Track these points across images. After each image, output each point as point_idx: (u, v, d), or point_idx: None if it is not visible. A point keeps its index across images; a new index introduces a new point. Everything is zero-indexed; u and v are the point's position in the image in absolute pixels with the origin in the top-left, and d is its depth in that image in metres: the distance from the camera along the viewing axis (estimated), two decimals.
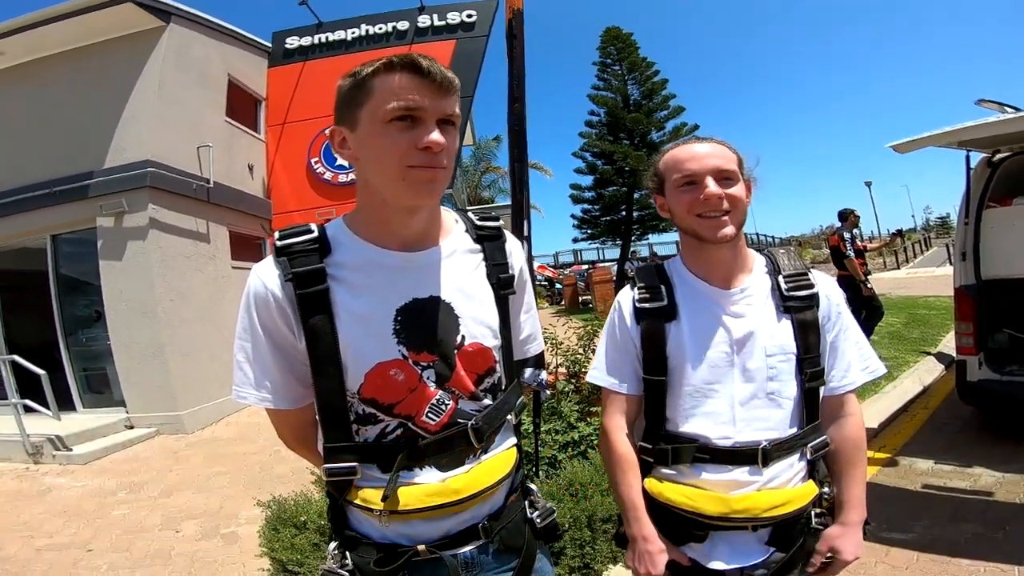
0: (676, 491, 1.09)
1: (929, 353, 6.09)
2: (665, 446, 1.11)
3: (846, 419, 1.15)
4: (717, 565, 1.09)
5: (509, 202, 2.98)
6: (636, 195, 19.56)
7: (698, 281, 1.14)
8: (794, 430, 1.09)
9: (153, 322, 6.28)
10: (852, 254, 5.97)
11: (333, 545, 0.97)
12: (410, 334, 0.90)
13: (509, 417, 1.02)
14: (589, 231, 21.72)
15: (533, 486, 1.10)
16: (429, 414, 0.91)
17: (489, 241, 1.02)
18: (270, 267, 0.91)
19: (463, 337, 0.94)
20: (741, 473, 1.07)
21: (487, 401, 0.97)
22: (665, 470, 1.13)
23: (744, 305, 1.11)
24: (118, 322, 6.36)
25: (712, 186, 1.05)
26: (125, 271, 6.34)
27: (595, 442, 3.19)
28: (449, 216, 1.04)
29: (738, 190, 1.08)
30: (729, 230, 1.06)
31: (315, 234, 0.91)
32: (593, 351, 3.92)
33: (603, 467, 1.28)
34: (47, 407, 5.81)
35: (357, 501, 0.90)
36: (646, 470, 1.16)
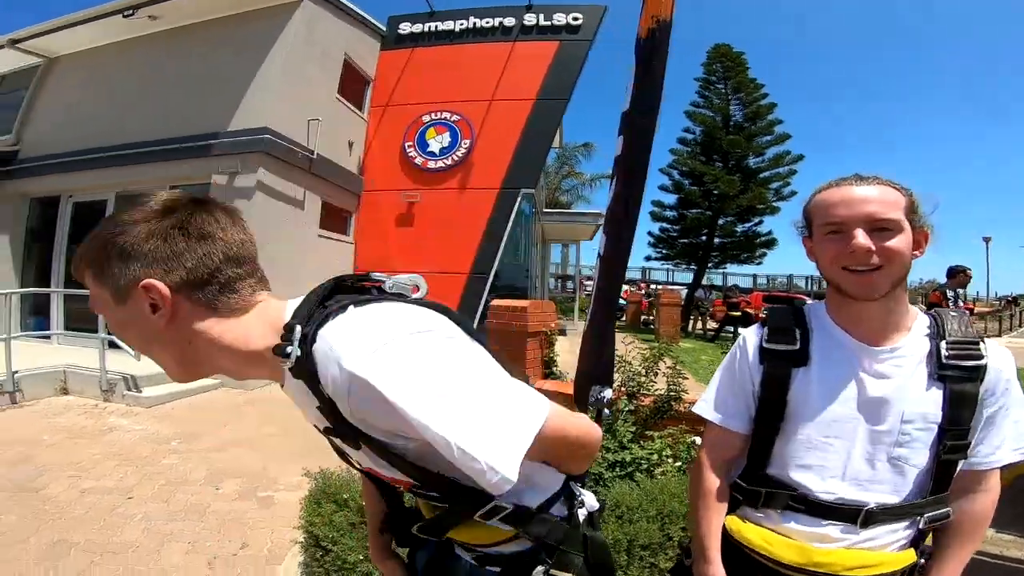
0: (756, 533, 1.07)
1: None
2: (759, 488, 1.08)
3: (980, 494, 1.05)
4: None
5: (587, 209, 2.81)
6: (721, 221, 18.68)
7: (841, 333, 1.05)
8: (912, 498, 1.01)
9: None
10: None
11: None
12: None
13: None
14: (664, 251, 21.00)
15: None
16: None
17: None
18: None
19: None
20: (834, 529, 1.01)
21: None
22: (752, 511, 1.10)
23: (891, 366, 1.00)
24: None
25: (861, 238, 0.94)
26: None
27: (644, 466, 3.03)
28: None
29: (898, 242, 0.94)
30: (877, 288, 0.96)
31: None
32: (655, 375, 3.72)
33: (685, 497, 1.30)
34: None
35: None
36: (732, 506, 1.13)
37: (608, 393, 1.07)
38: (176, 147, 7.07)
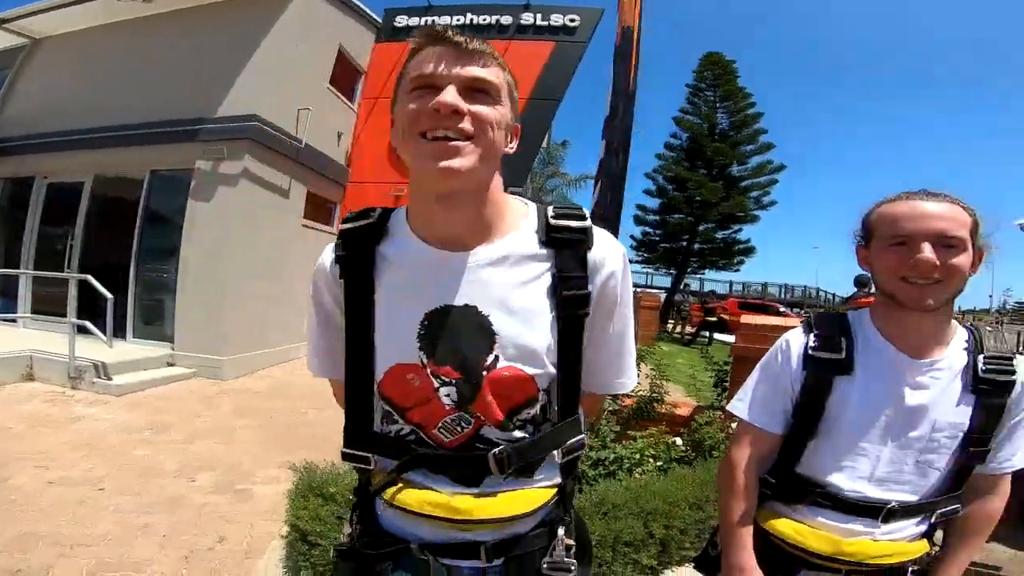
0: (788, 525, 1.12)
1: None
2: (789, 485, 1.13)
3: (992, 496, 1.13)
4: None
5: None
6: (701, 227, 18.95)
7: (886, 344, 1.07)
8: (929, 497, 1.08)
9: (221, 265, 6.59)
10: None
11: (348, 530, 0.95)
12: (432, 343, 0.82)
13: (555, 453, 0.87)
14: (645, 255, 21.23)
15: (562, 531, 0.92)
16: (442, 430, 0.84)
17: (564, 246, 0.84)
18: (330, 248, 0.91)
19: (496, 358, 0.81)
20: (857, 524, 1.07)
21: (520, 433, 0.85)
22: (781, 506, 1.15)
23: (930, 378, 1.04)
24: (189, 260, 6.68)
25: (928, 252, 0.96)
26: (208, 213, 6.71)
27: (626, 465, 3.08)
28: (520, 209, 0.89)
29: (961, 260, 0.97)
30: (932, 301, 0.98)
31: (371, 220, 0.88)
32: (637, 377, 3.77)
33: (719, 490, 1.27)
34: (106, 332, 6.01)
35: (373, 481, 0.90)
36: (761, 500, 1.18)
37: None
38: (159, 131, 6.89)
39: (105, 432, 4.29)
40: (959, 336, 1.07)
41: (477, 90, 0.77)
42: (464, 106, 0.74)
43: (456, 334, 0.81)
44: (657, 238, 20.56)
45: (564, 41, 9.21)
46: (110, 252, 7.30)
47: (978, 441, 1.04)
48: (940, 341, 1.06)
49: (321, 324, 0.94)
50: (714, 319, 14.16)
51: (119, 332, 6.66)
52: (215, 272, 6.58)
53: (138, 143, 7.00)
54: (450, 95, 0.73)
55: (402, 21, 9.78)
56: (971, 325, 1.11)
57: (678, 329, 16.41)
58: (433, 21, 9.66)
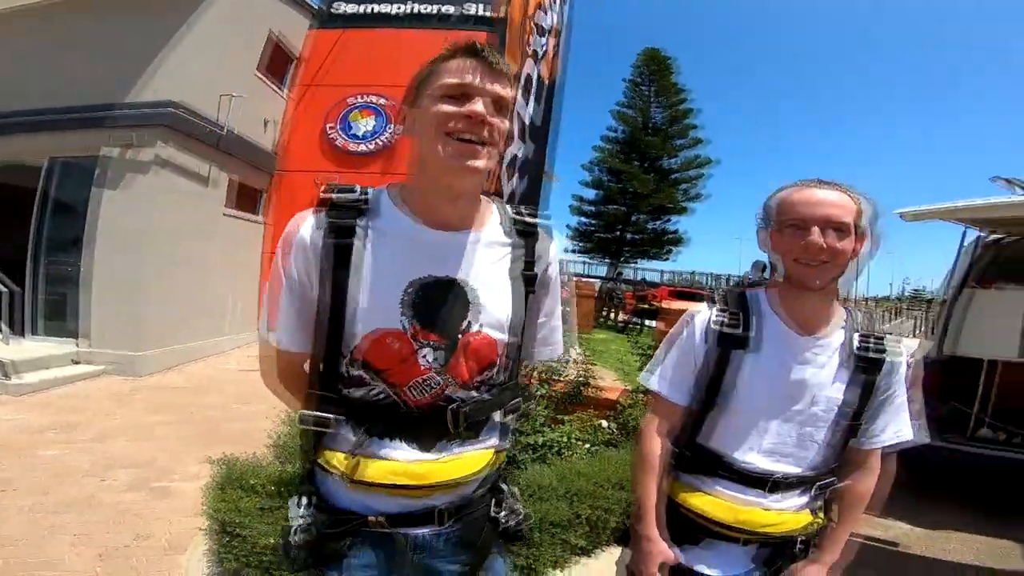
0: (693, 496, 1.18)
1: None
2: (692, 455, 1.19)
3: (865, 472, 1.21)
4: (703, 569, 1.18)
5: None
6: (635, 218, 19.58)
7: (779, 321, 1.16)
8: (812, 471, 1.15)
9: (133, 256, 6.19)
10: None
11: (300, 512, 0.95)
12: (416, 308, 0.91)
13: (496, 415, 1.01)
14: (582, 244, 21.72)
15: (506, 487, 1.08)
16: (412, 389, 0.92)
17: (522, 236, 1.02)
18: (309, 216, 0.94)
19: (470, 324, 0.94)
20: (750, 494, 1.14)
21: (476, 394, 0.96)
22: (686, 476, 1.21)
23: (814, 354, 1.13)
24: (97, 252, 6.23)
25: (816, 235, 1.04)
26: (117, 202, 6.29)
27: (556, 448, 3.18)
28: (490, 206, 1.03)
29: (845, 244, 1.06)
30: (820, 281, 1.07)
31: (358, 195, 0.94)
32: (567, 363, 3.89)
33: (628, 467, 1.39)
34: (1, 330, 5.57)
35: (322, 461, 0.94)
36: (670, 472, 1.23)
37: None
38: (60, 117, 6.36)
39: (8, 433, 4.01)
40: (840, 316, 1.17)
41: (498, 105, 0.90)
42: (489, 118, 0.87)
43: (439, 302, 0.92)
44: (593, 228, 21.06)
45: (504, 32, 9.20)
46: (4, 244, 6.73)
47: (851, 415, 1.12)
48: (825, 320, 1.15)
49: (291, 295, 0.94)
50: (646, 306, 14.75)
51: (18, 329, 6.16)
52: (127, 264, 6.17)
53: (35, 129, 6.45)
54: (481, 106, 0.86)
55: (340, 7, 9.44)
56: (849, 307, 1.20)
57: (612, 316, 16.95)
58: (374, 9, 9.38)
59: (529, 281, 1.00)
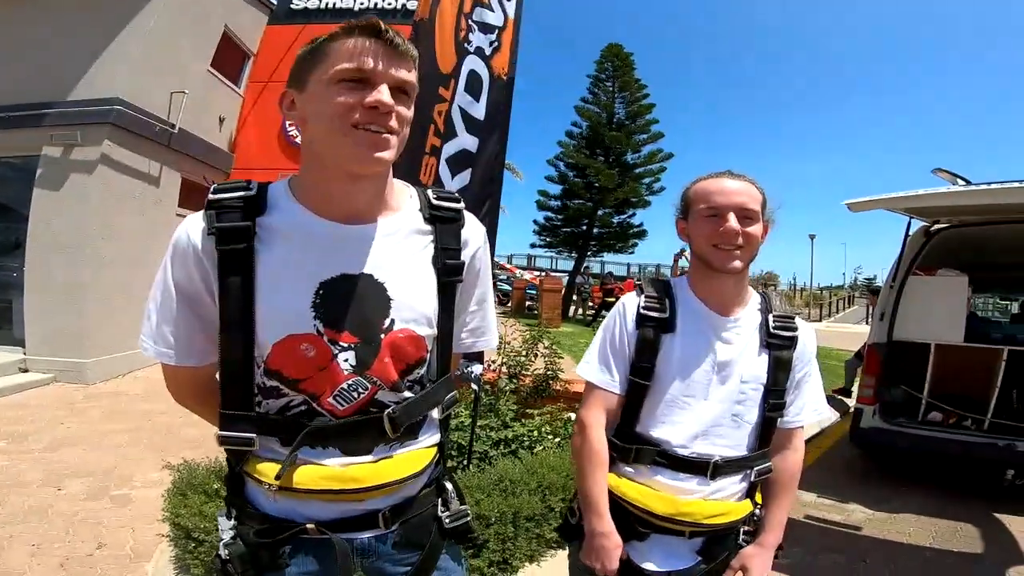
0: (632, 488, 1.18)
1: (831, 400, 6.45)
2: (630, 446, 1.19)
3: (790, 451, 1.26)
4: (649, 566, 1.19)
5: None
6: (600, 212, 19.80)
7: (699, 304, 1.21)
8: (746, 452, 1.19)
9: (77, 259, 5.89)
10: None
11: (229, 524, 0.91)
12: (330, 310, 0.85)
13: (434, 413, 0.98)
14: (548, 239, 21.81)
15: (450, 485, 1.04)
16: (337, 398, 0.86)
17: (443, 223, 0.96)
18: (197, 220, 0.86)
19: (392, 321, 0.88)
20: (691, 482, 1.16)
21: (409, 394, 0.92)
22: (625, 467, 1.21)
23: (734, 333, 1.20)
24: (38, 255, 5.92)
25: (732, 222, 1.12)
26: (59, 203, 5.98)
27: (526, 443, 3.22)
28: (404, 191, 0.98)
29: (756, 229, 1.14)
30: (737, 264, 1.14)
31: (250, 192, 0.86)
32: (535, 356, 3.96)
33: (571, 461, 1.33)
34: None
35: (251, 471, 0.87)
36: (608, 465, 1.22)
37: (478, 369, 1.15)
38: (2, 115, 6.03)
39: None
40: (754, 299, 1.25)
41: (401, 91, 0.83)
42: (395, 107, 0.81)
43: (354, 301, 0.85)
44: (559, 222, 21.19)
45: None
46: None
47: (775, 394, 1.18)
48: (740, 301, 1.22)
49: (179, 306, 0.86)
50: (613, 299, 14.97)
51: None
52: (72, 267, 5.88)
53: None
54: (386, 95, 0.80)
55: (299, 3, 9.18)
56: (761, 291, 1.28)
57: (580, 311, 17.12)
58: (333, 4, 9.17)
59: (455, 270, 0.95)
